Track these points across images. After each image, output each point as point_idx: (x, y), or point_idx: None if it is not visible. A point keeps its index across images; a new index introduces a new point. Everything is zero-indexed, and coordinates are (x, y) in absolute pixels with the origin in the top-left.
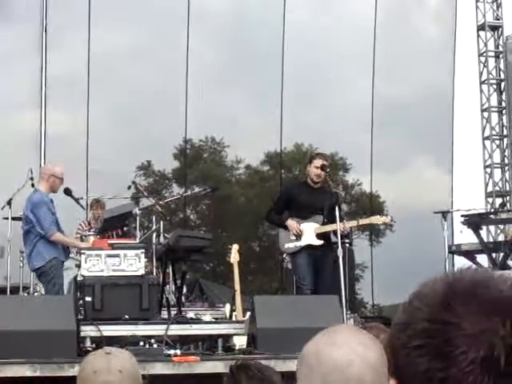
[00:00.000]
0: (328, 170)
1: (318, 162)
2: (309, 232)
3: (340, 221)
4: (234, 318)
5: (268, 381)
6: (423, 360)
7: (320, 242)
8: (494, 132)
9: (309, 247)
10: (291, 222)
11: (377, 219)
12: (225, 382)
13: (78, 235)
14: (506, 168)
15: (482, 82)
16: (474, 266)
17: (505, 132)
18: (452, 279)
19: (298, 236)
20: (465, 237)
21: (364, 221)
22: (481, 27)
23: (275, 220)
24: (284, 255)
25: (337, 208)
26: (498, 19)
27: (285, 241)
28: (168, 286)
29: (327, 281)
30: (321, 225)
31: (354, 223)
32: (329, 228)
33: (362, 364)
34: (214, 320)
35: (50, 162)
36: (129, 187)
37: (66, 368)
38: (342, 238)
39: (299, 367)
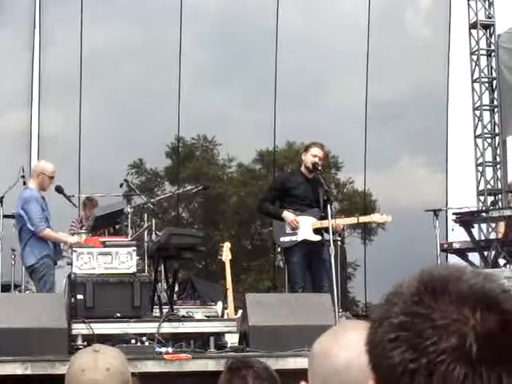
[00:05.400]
0: (320, 167)
1: (315, 151)
2: (306, 226)
3: (331, 219)
4: (225, 316)
5: (271, 379)
6: (396, 352)
7: (318, 238)
8: (485, 130)
9: (304, 242)
10: (288, 215)
11: (378, 218)
12: (225, 378)
13: (72, 232)
14: (498, 166)
15: (473, 81)
16: (451, 263)
17: (496, 130)
18: (425, 276)
19: (295, 229)
20: (456, 235)
21: (364, 218)
22: (473, 25)
23: (270, 211)
24: (279, 249)
25: (329, 206)
26: (490, 17)
27: (280, 234)
28: (160, 283)
29: (322, 277)
30: (318, 219)
31: (353, 220)
32: (326, 224)
33: (362, 367)
34: (205, 318)
35: (42, 160)
36: (121, 185)
37: (57, 366)
38: (333, 236)
39: (309, 364)
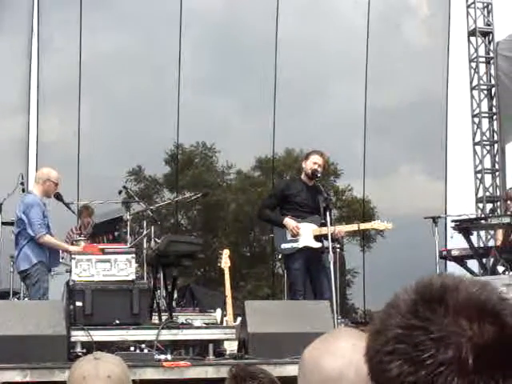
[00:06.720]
0: (319, 175)
1: (315, 158)
2: (307, 233)
3: (331, 226)
4: (224, 323)
5: None
6: (394, 365)
7: (318, 245)
8: (484, 138)
9: (305, 249)
10: (290, 221)
11: (379, 224)
12: None
13: (68, 240)
14: (497, 173)
15: (472, 88)
16: (448, 272)
17: (495, 137)
18: (422, 286)
19: (296, 236)
20: (455, 242)
21: (365, 225)
22: (472, 33)
23: (271, 217)
24: (279, 256)
25: (328, 213)
26: (489, 25)
27: (281, 241)
28: (159, 291)
29: (323, 284)
30: (318, 226)
31: (354, 227)
32: (326, 231)
33: (356, 376)
34: (204, 325)
35: (45, 167)
36: (120, 192)
37: (56, 373)
38: (332, 243)
39: (299, 371)
